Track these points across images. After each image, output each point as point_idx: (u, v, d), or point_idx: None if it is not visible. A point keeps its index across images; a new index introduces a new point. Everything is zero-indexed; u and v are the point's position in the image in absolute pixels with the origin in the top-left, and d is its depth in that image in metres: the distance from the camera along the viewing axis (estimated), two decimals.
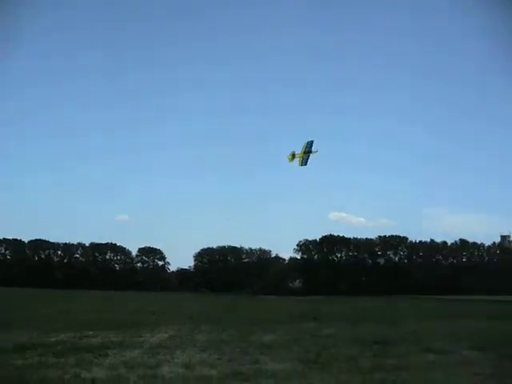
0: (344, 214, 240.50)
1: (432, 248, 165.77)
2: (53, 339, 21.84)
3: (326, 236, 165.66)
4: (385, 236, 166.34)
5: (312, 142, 52.61)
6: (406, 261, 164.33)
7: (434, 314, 48.43)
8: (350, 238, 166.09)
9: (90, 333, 24.52)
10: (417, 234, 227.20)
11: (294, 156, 53.30)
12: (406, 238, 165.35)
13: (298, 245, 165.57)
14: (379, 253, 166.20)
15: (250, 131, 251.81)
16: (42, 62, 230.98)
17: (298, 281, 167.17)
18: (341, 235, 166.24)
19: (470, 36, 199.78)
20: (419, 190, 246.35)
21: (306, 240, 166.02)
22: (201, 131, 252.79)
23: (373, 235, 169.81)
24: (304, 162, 52.87)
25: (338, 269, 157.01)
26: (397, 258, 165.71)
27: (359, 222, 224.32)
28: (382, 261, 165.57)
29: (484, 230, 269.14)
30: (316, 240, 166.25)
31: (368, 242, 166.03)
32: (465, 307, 64.41)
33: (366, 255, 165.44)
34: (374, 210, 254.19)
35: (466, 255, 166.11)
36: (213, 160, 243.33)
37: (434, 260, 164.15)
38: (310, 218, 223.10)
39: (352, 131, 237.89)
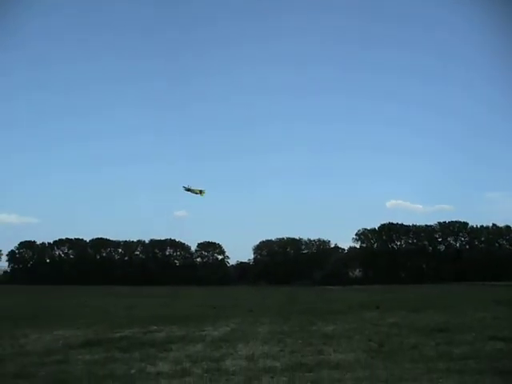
0: (401, 202, 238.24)
1: (495, 233, 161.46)
2: (118, 335, 22.20)
3: (384, 224, 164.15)
4: (444, 222, 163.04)
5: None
6: (467, 246, 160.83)
7: (500, 301, 47.17)
8: (409, 226, 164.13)
9: (154, 328, 24.85)
10: (478, 218, 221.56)
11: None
12: (467, 224, 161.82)
13: (356, 234, 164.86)
14: (439, 239, 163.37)
15: None
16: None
17: (357, 270, 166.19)
18: (399, 223, 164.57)
19: None
20: (479, 172, 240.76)
21: (365, 229, 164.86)
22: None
23: (431, 221, 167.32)
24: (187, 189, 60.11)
25: (398, 257, 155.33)
26: (458, 244, 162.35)
27: (417, 209, 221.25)
28: (442, 247, 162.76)
29: None
30: (375, 228, 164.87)
31: (428, 228, 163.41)
32: None
33: (426, 242, 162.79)
34: (431, 196, 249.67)
35: None
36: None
37: (496, 245, 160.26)
38: (367, 206, 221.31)
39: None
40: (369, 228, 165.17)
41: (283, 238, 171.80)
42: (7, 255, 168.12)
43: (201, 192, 59.40)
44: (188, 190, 58.88)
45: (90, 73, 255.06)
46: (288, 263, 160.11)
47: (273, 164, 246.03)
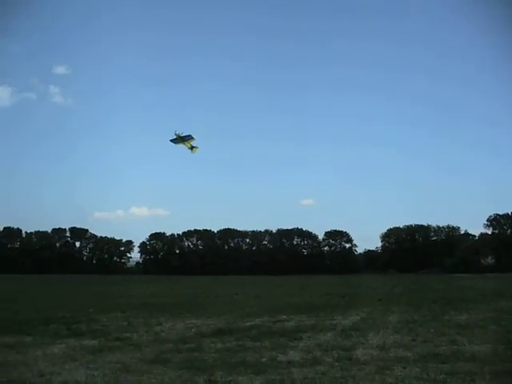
0: None
1: None
2: (248, 324, 22.58)
3: None
4: None
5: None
6: None
7: None
8: None
9: (283, 317, 25.07)
10: None
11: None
12: None
13: (488, 220, 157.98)
14: None
15: None
16: None
17: (490, 257, 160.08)
18: None
19: None
20: None
21: (497, 214, 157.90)
22: None
23: None
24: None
25: None
26: None
27: None
28: None
29: None
30: (508, 214, 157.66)
31: None
32: None
33: None
34: None
35: None
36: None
37: None
38: (499, 190, 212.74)
39: None
40: (501, 213, 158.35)
41: (411, 225, 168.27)
42: (139, 247, 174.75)
43: (192, 148, 45.39)
44: (179, 138, 43.98)
45: None
46: (416, 251, 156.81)
47: (397, 152, 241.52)
